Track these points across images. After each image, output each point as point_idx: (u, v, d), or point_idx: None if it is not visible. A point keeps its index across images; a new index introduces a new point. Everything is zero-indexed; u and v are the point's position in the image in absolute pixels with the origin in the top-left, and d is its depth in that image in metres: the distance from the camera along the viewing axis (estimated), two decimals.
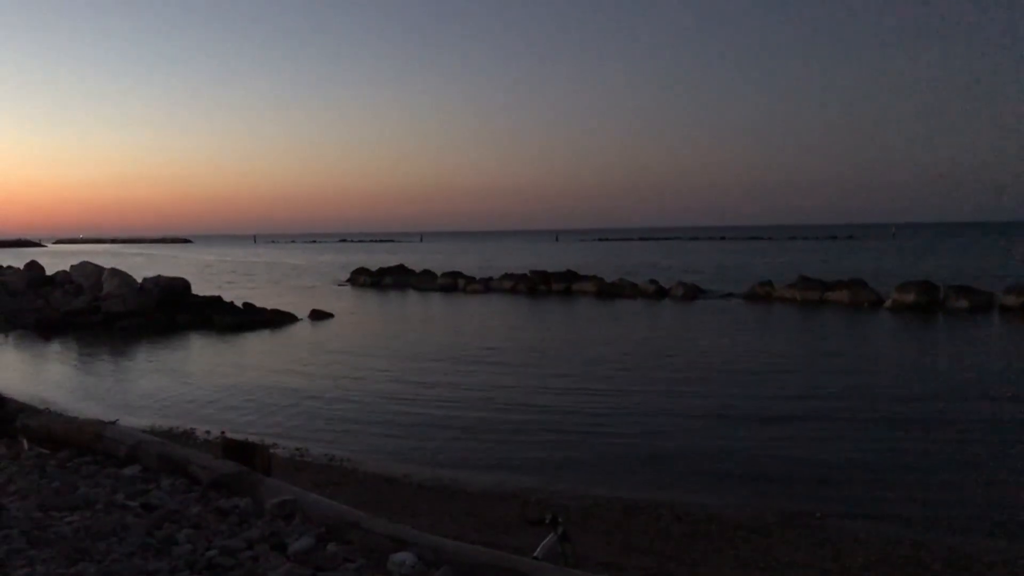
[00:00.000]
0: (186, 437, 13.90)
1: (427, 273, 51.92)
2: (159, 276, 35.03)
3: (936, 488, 10.57)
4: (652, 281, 42.41)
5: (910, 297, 32.78)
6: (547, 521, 4.89)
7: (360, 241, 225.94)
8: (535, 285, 45.25)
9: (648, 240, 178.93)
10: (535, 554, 4.69)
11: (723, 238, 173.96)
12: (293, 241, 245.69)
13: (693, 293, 40.01)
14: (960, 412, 14.63)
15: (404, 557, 4.39)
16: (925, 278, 35.28)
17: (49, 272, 42.22)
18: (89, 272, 36.86)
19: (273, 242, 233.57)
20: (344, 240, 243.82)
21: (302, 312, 33.63)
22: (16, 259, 52.71)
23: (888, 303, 33.42)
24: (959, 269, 52.79)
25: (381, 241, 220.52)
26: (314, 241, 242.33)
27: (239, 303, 33.87)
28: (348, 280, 55.65)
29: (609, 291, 42.52)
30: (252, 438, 10.25)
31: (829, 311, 33.15)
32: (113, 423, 7.89)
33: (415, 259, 71.70)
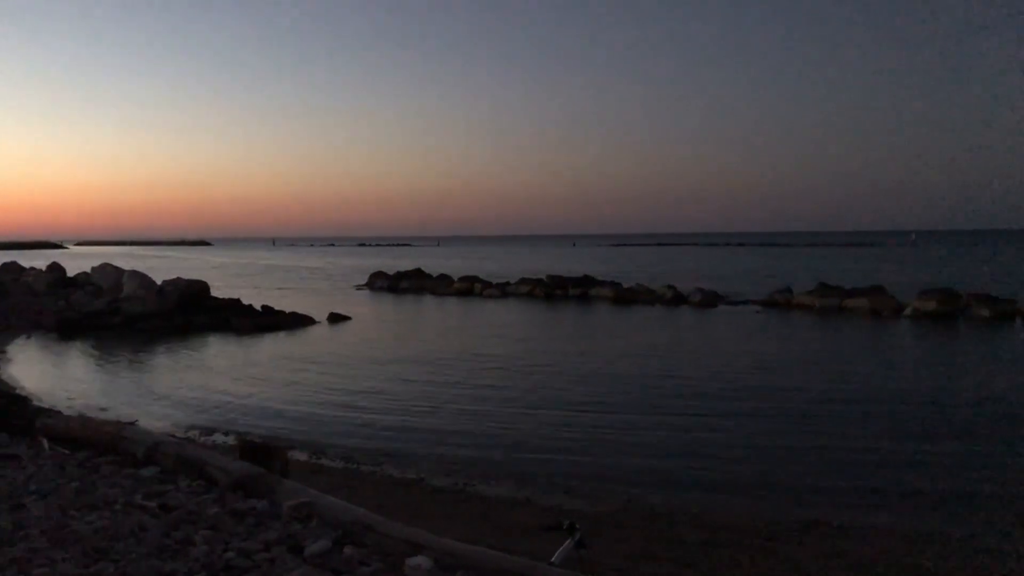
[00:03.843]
0: (204, 438, 13.98)
1: (444, 277, 52.01)
2: (178, 278, 35.30)
3: (958, 495, 10.44)
4: (670, 287, 42.19)
5: (931, 305, 32.46)
6: (564, 527, 4.87)
7: (378, 245, 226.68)
8: (552, 290, 45.21)
9: (666, 246, 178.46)
10: (552, 560, 4.66)
11: (742, 244, 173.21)
12: (311, 245, 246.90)
13: (711, 300, 39.79)
14: (984, 421, 14.44)
15: (420, 561, 4.38)
16: (946, 286, 34.91)
17: (70, 274, 42.65)
18: (109, 274, 37.21)
19: (291, 245, 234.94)
20: (362, 244, 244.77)
21: (320, 315, 33.77)
22: (39, 260, 53.26)
23: (908, 311, 33.12)
24: (981, 277, 52.21)
25: (399, 245, 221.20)
26: (332, 245, 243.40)
27: (257, 305, 34.07)
28: (366, 284, 55.85)
29: (626, 297, 42.40)
30: (269, 440, 10.29)
31: (848, 319, 32.92)
32: (132, 424, 7.94)
33: (432, 263, 71.84)
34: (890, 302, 34.43)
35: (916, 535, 9.13)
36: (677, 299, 40.60)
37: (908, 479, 11.29)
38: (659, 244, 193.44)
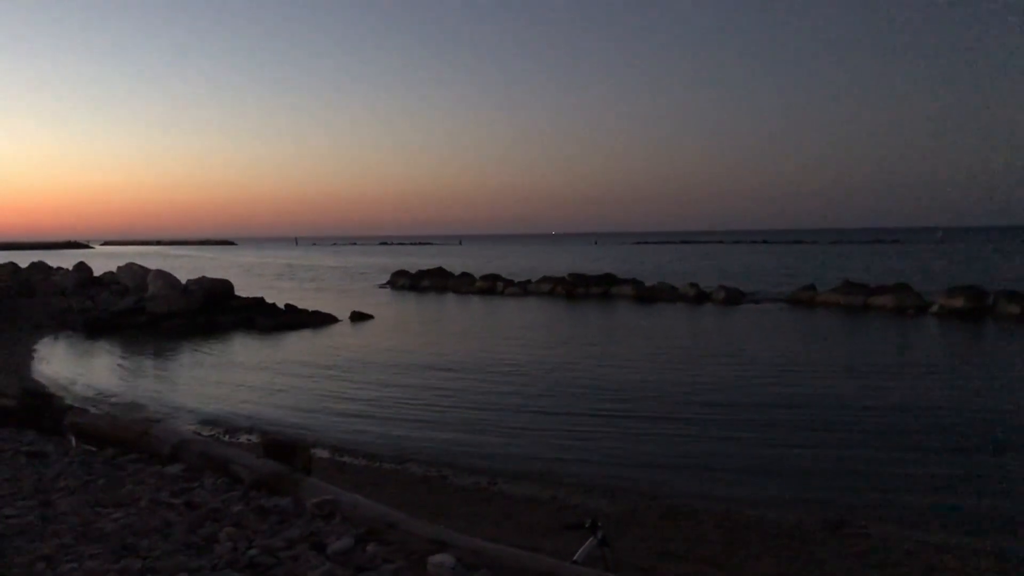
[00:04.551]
0: (228, 436, 14.09)
1: (466, 276, 52.08)
2: (203, 277, 35.59)
3: (988, 499, 10.30)
4: (692, 285, 41.98)
5: (958, 302, 32.01)
6: (586, 525, 4.86)
7: (400, 244, 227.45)
8: (573, 288, 45.11)
9: (689, 243, 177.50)
10: (575, 558, 4.65)
11: (766, 242, 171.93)
12: (334, 244, 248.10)
13: (734, 297, 39.54)
14: (1014, 431, 14.23)
15: (443, 559, 4.38)
16: (974, 283, 34.42)
17: (97, 273, 43.22)
18: (135, 273, 37.60)
19: (314, 244, 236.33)
20: (384, 243, 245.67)
21: (342, 314, 33.94)
22: (66, 261, 53.90)
23: (934, 308, 32.69)
24: (1009, 274, 51.53)
25: (420, 244, 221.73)
26: (354, 244, 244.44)
27: (281, 304, 34.31)
28: (388, 282, 56.06)
29: (648, 295, 42.24)
30: (293, 438, 10.34)
31: (873, 316, 32.55)
32: (157, 422, 8.01)
33: (454, 262, 72.03)
34: (916, 299, 34.01)
35: (943, 541, 9.02)
36: (700, 297, 40.39)
37: (934, 481, 11.18)
38: (682, 242, 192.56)
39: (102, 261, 67.01)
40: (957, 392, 16.99)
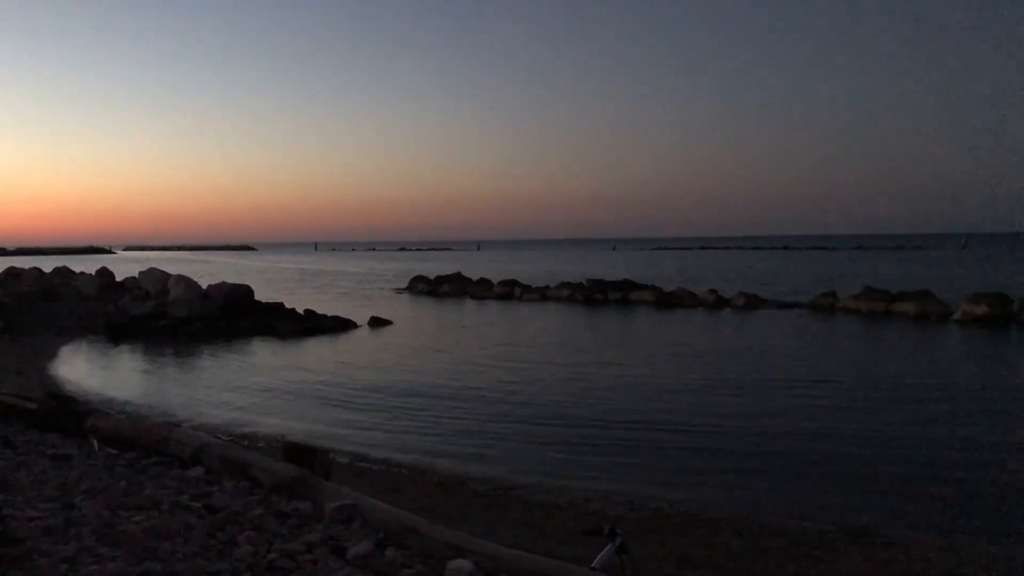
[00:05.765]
0: (248, 440, 14.15)
1: (484, 281, 52.09)
2: (223, 283, 35.84)
3: (1013, 509, 10.17)
4: (712, 290, 41.82)
5: (981, 309, 31.61)
6: (605, 532, 4.84)
7: (418, 249, 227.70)
8: (592, 294, 45.04)
9: (709, 249, 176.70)
10: (593, 565, 4.63)
11: (786, 247, 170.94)
12: (353, 249, 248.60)
13: (754, 303, 39.33)
14: None
15: (462, 564, 4.38)
16: (998, 289, 34.00)
17: (119, 278, 43.65)
18: (156, 278, 37.94)
19: (334, 250, 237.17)
20: (403, 248, 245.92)
21: (361, 319, 34.04)
22: (88, 265, 54.45)
23: (957, 315, 32.32)
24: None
25: (439, 250, 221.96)
26: (373, 249, 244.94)
27: (300, 309, 34.44)
28: (406, 288, 56.18)
29: (667, 300, 42.07)
30: (312, 443, 10.37)
31: (895, 323, 32.25)
32: (178, 426, 8.06)
33: (472, 267, 72.04)
34: (938, 306, 33.63)
35: (969, 545, 8.91)
36: (719, 303, 40.20)
37: (959, 490, 11.05)
38: (701, 247, 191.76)
39: (124, 266, 67.65)
40: (983, 404, 16.81)
